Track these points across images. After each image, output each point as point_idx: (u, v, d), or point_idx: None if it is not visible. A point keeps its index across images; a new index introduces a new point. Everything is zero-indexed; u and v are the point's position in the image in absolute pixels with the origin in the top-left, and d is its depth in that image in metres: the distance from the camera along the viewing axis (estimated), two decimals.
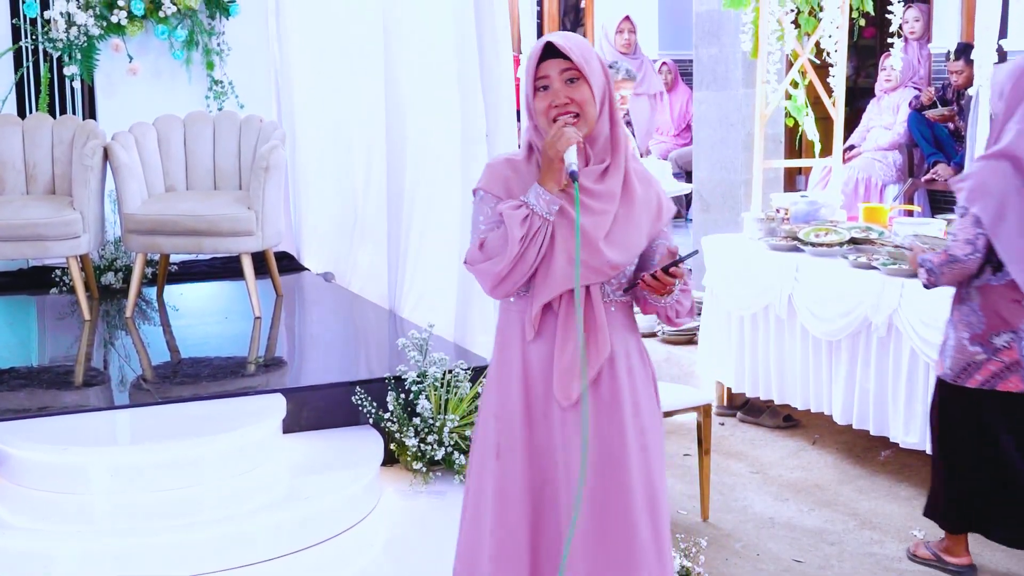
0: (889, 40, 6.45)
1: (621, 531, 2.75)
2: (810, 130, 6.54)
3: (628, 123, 5.76)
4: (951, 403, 4.15)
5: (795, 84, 6.46)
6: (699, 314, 6.47)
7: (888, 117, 8.37)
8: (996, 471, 4.09)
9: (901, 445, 4.97)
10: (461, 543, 2.94)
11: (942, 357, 4.16)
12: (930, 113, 8.09)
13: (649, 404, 2.84)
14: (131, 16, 6.81)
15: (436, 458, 4.34)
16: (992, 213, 3.86)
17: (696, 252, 2.76)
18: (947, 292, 4.30)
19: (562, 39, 2.67)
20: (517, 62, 10.26)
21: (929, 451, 4.48)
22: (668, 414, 4.86)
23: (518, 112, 8.73)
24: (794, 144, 7.67)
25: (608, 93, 2.72)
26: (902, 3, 6.34)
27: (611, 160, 2.73)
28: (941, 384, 4.18)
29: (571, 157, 2.61)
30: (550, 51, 2.67)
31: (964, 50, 7.74)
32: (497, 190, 2.73)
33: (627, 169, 2.75)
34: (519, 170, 2.75)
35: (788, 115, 6.69)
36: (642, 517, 2.77)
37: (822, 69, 6.48)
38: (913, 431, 4.87)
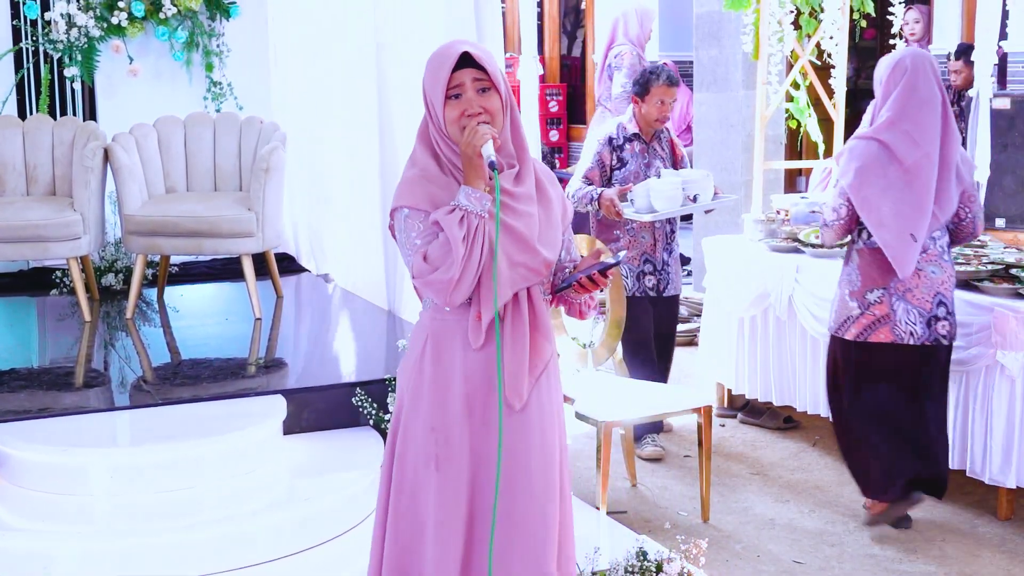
0: (891, 41, 6.44)
1: (539, 533, 2.78)
2: (813, 131, 6.54)
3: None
4: (836, 355, 4.58)
5: (796, 86, 6.46)
6: (699, 315, 6.47)
7: None
8: (881, 420, 4.49)
9: None
10: (387, 558, 2.89)
11: (829, 313, 4.61)
12: None
13: (560, 403, 2.92)
14: (131, 17, 6.82)
15: None
16: (856, 185, 4.34)
17: (623, 257, 2.94)
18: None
19: (475, 48, 2.69)
20: (516, 62, 10.28)
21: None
22: (669, 416, 4.88)
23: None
24: (796, 145, 7.68)
25: (510, 100, 2.75)
26: (903, 4, 6.33)
27: (520, 165, 2.76)
28: (830, 339, 4.61)
29: (488, 150, 2.62)
30: (463, 60, 2.67)
31: (965, 51, 7.74)
32: (423, 204, 2.70)
33: (536, 171, 2.79)
34: (437, 182, 2.74)
35: (791, 117, 6.69)
36: (555, 515, 2.82)
37: (823, 71, 6.48)
38: None
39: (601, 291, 2.83)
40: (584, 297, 2.86)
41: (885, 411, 4.47)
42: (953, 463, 4.69)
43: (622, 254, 2.91)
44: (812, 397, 5.41)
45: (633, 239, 5.39)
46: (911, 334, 4.37)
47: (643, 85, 5.34)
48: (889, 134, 4.33)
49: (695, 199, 5.32)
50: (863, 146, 4.39)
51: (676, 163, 5.57)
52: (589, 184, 5.34)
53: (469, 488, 2.77)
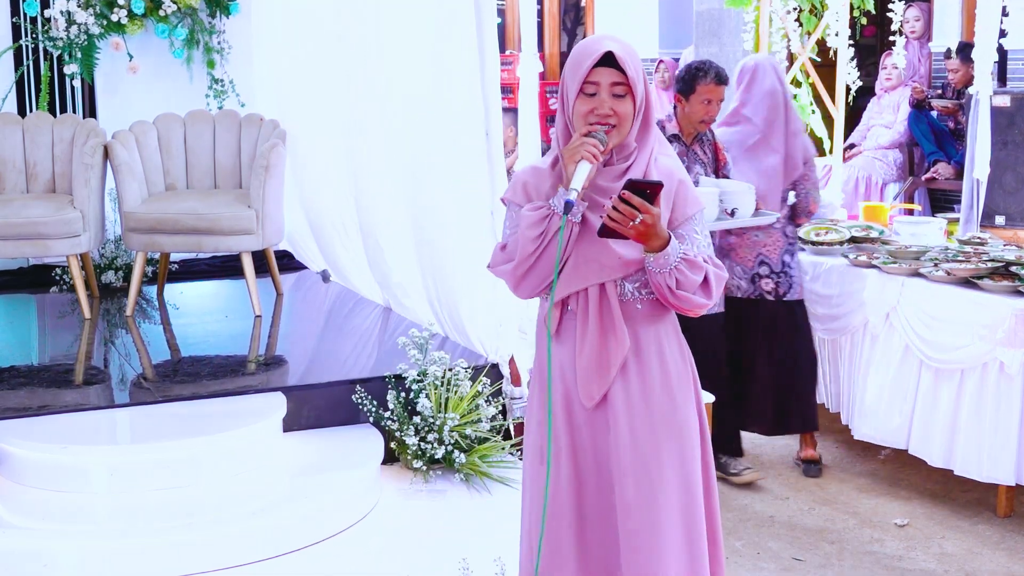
0: (891, 38, 6.45)
1: (648, 534, 2.72)
2: (817, 128, 6.54)
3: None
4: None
5: (797, 83, 6.46)
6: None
7: (888, 116, 8.37)
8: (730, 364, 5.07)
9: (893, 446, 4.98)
10: (522, 552, 2.92)
11: None
12: (936, 103, 8.09)
13: (685, 402, 2.79)
14: (131, 15, 6.81)
15: (436, 457, 4.34)
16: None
17: (658, 183, 2.60)
18: (946, 294, 4.58)
19: (620, 49, 2.64)
20: (516, 60, 10.26)
21: (912, 451, 4.77)
22: None
23: (514, 110, 8.70)
24: None
25: (647, 103, 2.71)
26: (903, 2, 6.33)
27: (635, 160, 2.72)
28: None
29: (578, 181, 2.57)
30: (605, 58, 2.64)
31: (962, 49, 7.75)
32: (519, 198, 2.75)
33: (649, 164, 2.74)
34: (541, 176, 2.75)
35: None
36: (672, 518, 2.74)
37: (823, 68, 6.49)
38: (902, 431, 4.88)
39: (636, 221, 2.54)
40: (665, 263, 2.60)
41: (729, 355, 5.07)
42: (952, 462, 4.70)
43: (660, 181, 2.62)
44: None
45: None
46: (737, 287, 5.11)
47: (688, 82, 4.92)
48: (733, 119, 5.17)
49: (733, 213, 4.86)
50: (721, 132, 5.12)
51: (718, 169, 5.10)
52: None
53: (573, 482, 2.77)
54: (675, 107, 5.01)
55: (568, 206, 2.56)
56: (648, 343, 2.74)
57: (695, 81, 4.89)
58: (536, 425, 2.83)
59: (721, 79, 4.92)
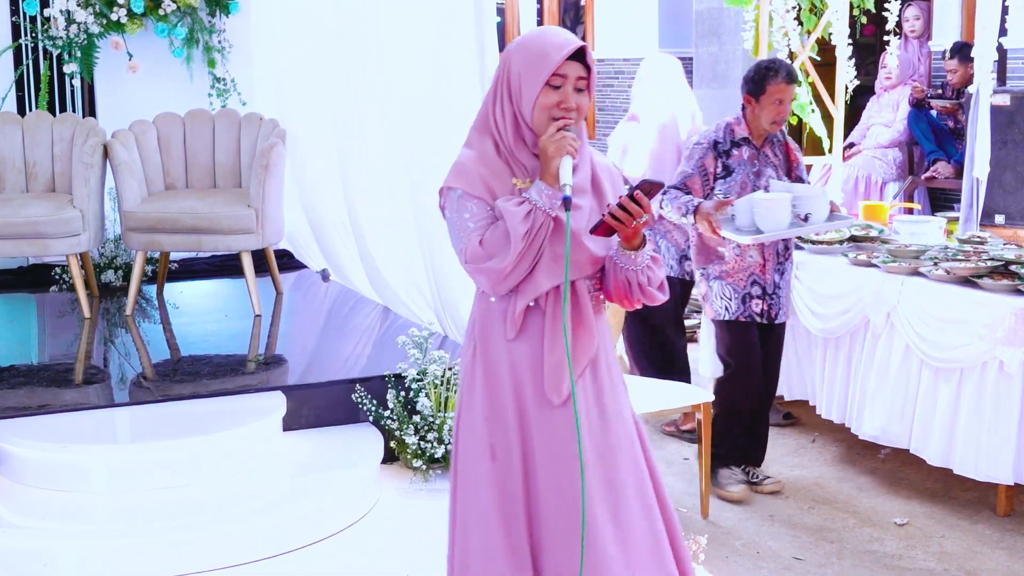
0: (885, 38, 6.45)
1: (612, 526, 2.73)
2: (817, 127, 6.54)
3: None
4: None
5: (798, 82, 6.45)
6: (699, 312, 6.46)
7: (888, 115, 8.36)
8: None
9: (894, 445, 4.97)
10: (455, 551, 2.89)
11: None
12: (936, 103, 8.09)
13: (626, 399, 2.87)
14: (131, 14, 6.80)
15: (436, 456, 4.34)
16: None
17: (663, 183, 2.70)
18: (946, 293, 4.57)
19: (589, 48, 2.68)
20: None
21: (913, 450, 4.71)
22: (669, 412, 4.87)
23: None
24: (801, 142, 7.68)
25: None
26: (900, 1, 6.33)
27: (579, 156, 2.73)
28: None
29: (566, 175, 2.59)
30: (575, 54, 2.65)
31: (959, 49, 7.74)
32: (479, 191, 2.69)
33: (593, 162, 2.78)
34: (492, 166, 2.72)
35: (792, 113, 6.69)
36: (636, 510, 2.77)
37: (823, 67, 6.49)
38: (902, 430, 4.88)
39: (637, 232, 2.61)
40: (640, 260, 2.67)
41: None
42: (951, 461, 4.70)
43: (661, 181, 2.68)
44: (811, 393, 5.41)
45: (739, 257, 4.83)
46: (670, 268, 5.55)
47: (758, 83, 4.74)
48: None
49: (807, 219, 4.69)
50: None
51: (791, 171, 4.93)
52: (687, 193, 4.77)
53: (523, 480, 2.75)
54: (744, 108, 4.85)
55: (567, 202, 2.56)
56: (603, 339, 2.80)
57: (765, 81, 4.73)
58: (483, 422, 2.77)
59: (792, 77, 4.75)
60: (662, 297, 2.77)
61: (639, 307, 2.81)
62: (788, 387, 5.55)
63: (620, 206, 2.58)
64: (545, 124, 2.67)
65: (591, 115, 12.36)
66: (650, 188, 2.59)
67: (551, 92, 2.66)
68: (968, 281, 4.73)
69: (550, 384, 2.70)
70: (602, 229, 2.64)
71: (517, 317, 2.71)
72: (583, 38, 12.36)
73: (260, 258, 6.13)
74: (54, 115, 6.50)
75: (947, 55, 7.97)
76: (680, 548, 2.89)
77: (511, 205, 2.64)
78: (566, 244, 2.59)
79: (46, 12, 6.76)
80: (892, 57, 6.68)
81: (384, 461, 4.40)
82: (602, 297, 2.83)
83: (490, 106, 2.74)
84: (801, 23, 6.40)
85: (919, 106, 8.12)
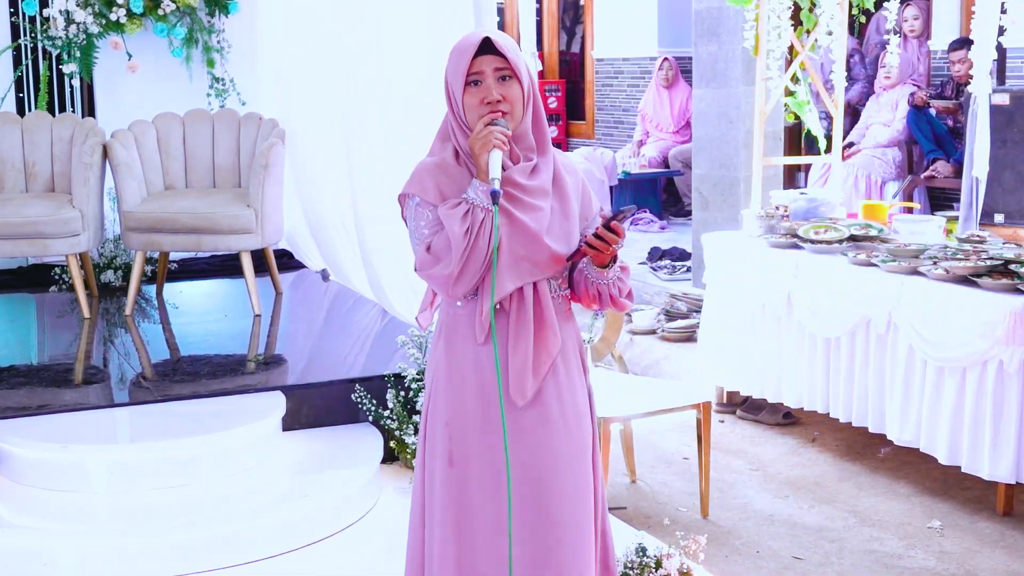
0: (885, 36, 6.44)
1: (576, 528, 2.74)
2: (815, 126, 6.54)
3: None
4: None
5: (796, 80, 6.45)
6: (698, 311, 6.47)
7: (887, 114, 8.37)
8: None
9: (896, 442, 4.97)
10: (413, 555, 2.88)
11: None
12: (936, 103, 8.09)
13: (584, 400, 2.84)
14: (130, 14, 6.81)
15: None
16: None
17: (634, 207, 2.75)
18: (946, 292, 4.50)
19: (497, 36, 2.67)
20: None
21: (923, 448, 4.61)
22: (668, 411, 4.87)
23: None
24: (800, 141, 7.68)
25: (533, 91, 2.73)
26: (900, 1, 6.33)
27: (539, 156, 2.73)
28: None
29: (495, 169, 2.59)
30: (484, 47, 2.66)
31: (965, 41, 7.73)
32: (432, 198, 2.69)
33: (556, 163, 2.77)
34: (449, 173, 2.72)
35: (789, 112, 6.69)
36: (588, 517, 2.78)
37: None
38: (909, 428, 4.88)
39: (613, 255, 2.66)
40: (611, 275, 2.70)
41: None
42: (953, 459, 4.70)
43: (633, 206, 2.76)
44: (810, 393, 5.41)
45: None
46: None
47: None
48: None
49: None
50: None
51: None
52: None
53: (483, 484, 2.72)
54: None
55: (495, 195, 2.56)
56: (566, 340, 2.77)
57: None
58: (443, 427, 2.76)
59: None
60: (630, 305, 2.81)
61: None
62: (789, 390, 5.54)
63: (596, 235, 2.61)
64: (477, 123, 2.67)
65: (591, 115, 12.36)
66: (624, 214, 2.62)
67: (473, 90, 2.67)
68: (967, 280, 4.73)
69: (515, 387, 2.69)
70: (579, 255, 2.70)
71: (484, 320, 2.69)
72: (582, 38, 12.36)
73: (259, 258, 6.13)
74: (53, 115, 6.50)
75: (952, 48, 7.95)
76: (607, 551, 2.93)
77: (447, 208, 2.64)
78: (492, 239, 2.59)
79: (45, 12, 6.76)
80: (893, 56, 6.69)
81: (384, 461, 4.40)
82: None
83: (447, 115, 2.76)
84: (800, 23, 6.39)
85: (916, 107, 8.12)
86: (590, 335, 4.99)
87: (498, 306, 2.69)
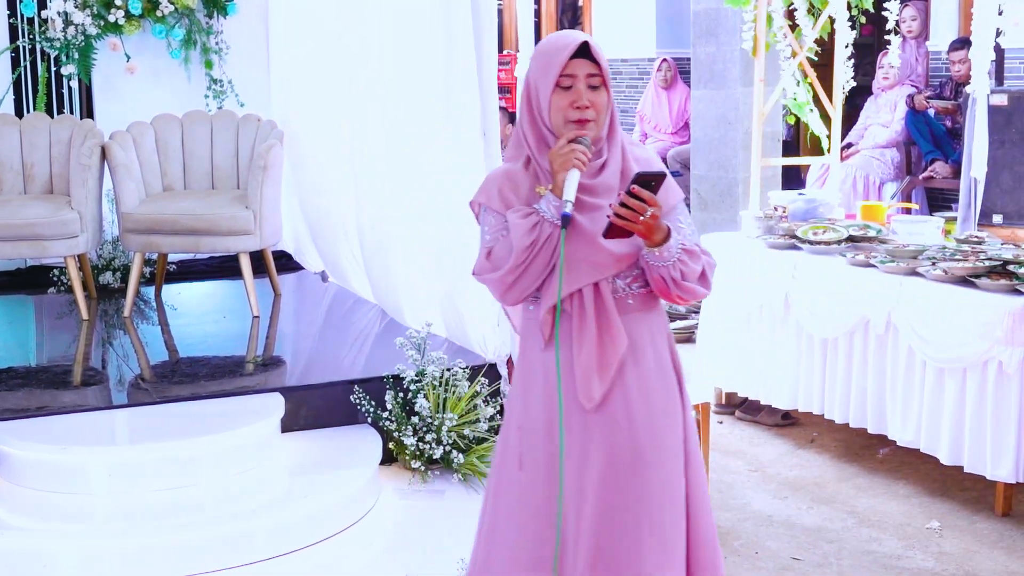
0: (886, 37, 6.45)
1: (634, 534, 2.71)
2: (816, 127, 6.54)
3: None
4: None
5: (796, 81, 6.46)
6: (697, 312, 6.46)
7: (886, 115, 8.37)
8: None
9: (898, 443, 4.98)
10: (478, 554, 2.90)
11: None
12: (935, 103, 8.09)
13: (675, 397, 2.79)
14: (128, 15, 6.81)
15: (434, 457, 4.34)
16: None
17: (664, 171, 2.63)
18: (944, 293, 4.58)
19: (593, 43, 2.66)
20: (515, 60, 10.25)
21: (924, 448, 4.60)
22: None
23: (512, 113, 8.72)
24: (800, 142, 7.67)
25: (611, 98, 2.71)
26: (899, 1, 6.33)
27: (608, 154, 2.72)
28: None
29: (570, 191, 2.57)
30: (580, 51, 2.65)
31: (966, 41, 7.73)
32: (496, 204, 2.71)
33: (626, 157, 2.73)
34: (516, 180, 2.72)
35: (789, 113, 6.69)
36: (663, 515, 2.73)
37: (821, 67, 6.49)
38: (910, 429, 4.88)
39: (647, 225, 2.53)
40: (668, 256, 2.60)
41: None
42: (952, 459, 4.70)
43: (662, 171, 2.61)
44: (808, 394, 5.41)
45: None
46: None
47: None
48: None
49: None
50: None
51: None
52: None
53: (548, 489, 2.72)
54: None
55: (566, 219, 2.55)
56: (643, 339, 2.73)
57: None
58: (516, 430, 2.78)
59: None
60: (703, 291, 2.72)
61: (689, 301, 2.75)
62: (787, 391, 5.54)
63: (622, 203, 2.55)
64: (562, 126, 2.66)
65: None
66: (651, 179, 2.55)
67: (563, 93, 2.66)
68: (966, 281, 4.73)
69: (582, 389, 2.68)
70: (614, 231, 2.59)
71: (543, 324, 2.70)
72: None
73: (258, 259, 6.13)
74: (52, 117, 6.50)
75: (952, 48, 7.95)
76: (713, 551, 2.86)
77: (518, 217, 2.64)
78: (560, 264, 2.59)
79: (44, 14, 6.76)
80: (894, 57, 6.69)
81: (382, 462, 4.40)
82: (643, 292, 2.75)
83: (521, 119, 2.76)
84: (797, 25, 6.40)
85: (915, 109, 8.12)
86: None
87: (563, 309, 2.68)
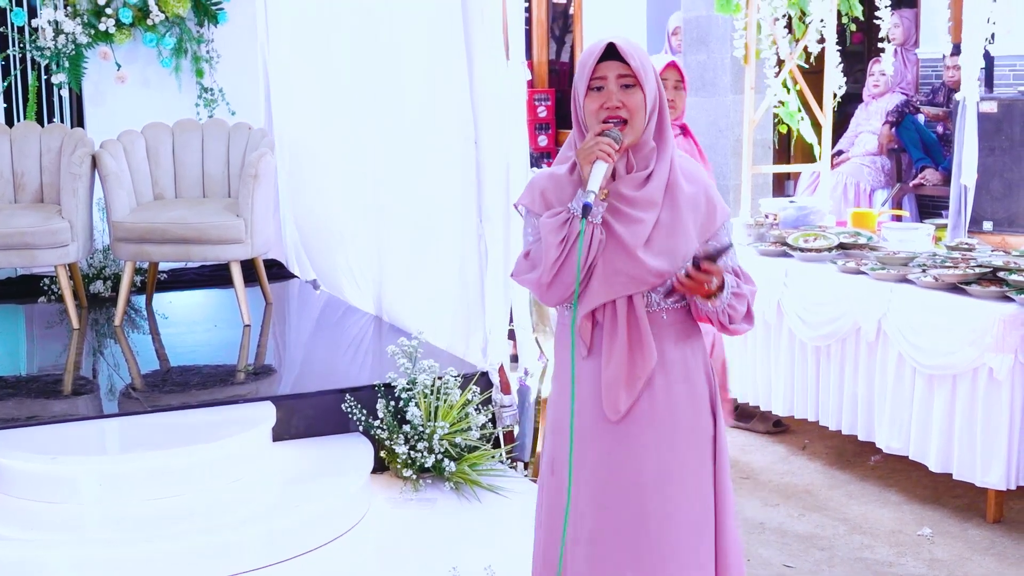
0: (879, 45, 6.46)
1: (657, 549, 2.71)
2: (807, 134, 6.56)
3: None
4: None
5: (787, 89, 6.47)
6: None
7: (876, 122, 8.39)
8: None
9: (885, 451, 4.98)
10: (536, 556, 2.93)
11: None
12: (926, 110, 8.11)
13: (707, 415, 2.78)
14: (119, 24, 6.80)
15: (426, 465, 4.34)
16: None
17: (729, 246, 2.69)
18: (935, 300, 4.60)
19: (623, 42, 2.65)
20: None
21: (913, 456, 4.62)
22: None
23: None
24: (789, 149, 7.69)
25: (659, 102, 2.68)
26: (890, 9, 6.35)
27: (655, 166, 2.69)
28: None
29: (593, 182, 2.57)
30: (610, 53, 2.64)
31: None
32: (538, 207, 2.71)
33: (673, 170, 2.70)
34: (559, 182, 2.72)
35: (780, 121, 6.71)
36: (687, 533, 2.73)
37: (812, 75, 6.50)
38: (899, 436, 4.89)
39: (712, 293, 2.60)
40: (718, 304, 2.65)
41: None
42: (941, 466, 4.71)
43: (728, 243, 2.68)
44: (801, 401, 5.42)
45: None
46: None
47: None
48: None
49: None
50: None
51: None
52: None
53: (573, 496, 2.72)
54: None
55: (586, 209, 2.55)
56: (674, 355, 2.72)
57: None
58: (550, 435, 2.82)
59: None
60: (747, 327, 2.77)
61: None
62: (779, 398, 5.55)
63: (688, 275, 2.59)
64: (596, 128, 2.66)
65: None
66: (716, 256, 2.61)
67: (595, 95, 2.66)
68: (956, 288, 4.74)
69: (607, 400, 2.68)
70: (674, 292, 2.67)
71: (582, 332, 2.70)
72: (571, 47, 12.37)
73: (249, 268, 6.12)
74: (42, 125, 6.48)
75: (953, 53, 7.98)
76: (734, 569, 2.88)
77: (549, 216, 2.65)
78: (578, 255, 2.58)
79: (34, 23, 6.75)
80: (887, 65, 6.71)
81: (374, 471, 4.39)
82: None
83: (574, 124, 2.77)
84: (791, 31, 6.42)
85: (898, 121, 8.13)
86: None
87: (598, 320, 2.69)
